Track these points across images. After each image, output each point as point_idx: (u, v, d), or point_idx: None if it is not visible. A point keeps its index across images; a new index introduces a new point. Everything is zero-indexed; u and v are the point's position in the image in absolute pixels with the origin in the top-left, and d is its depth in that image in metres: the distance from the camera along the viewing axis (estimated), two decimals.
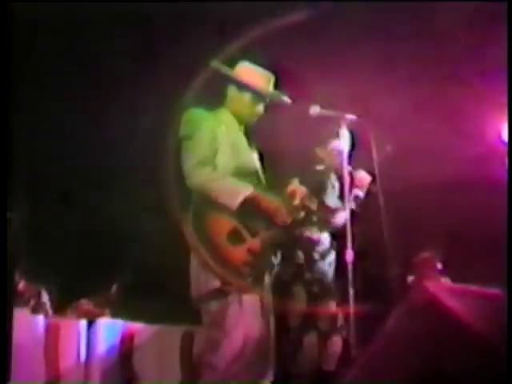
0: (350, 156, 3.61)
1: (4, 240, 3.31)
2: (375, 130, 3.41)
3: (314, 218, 4.30)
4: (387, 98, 5.13)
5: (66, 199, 5.76)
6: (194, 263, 3.28)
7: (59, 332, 4.11)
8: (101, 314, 4.35)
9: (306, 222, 4.15)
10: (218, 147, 3.35)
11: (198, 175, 3.30)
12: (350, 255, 3.43)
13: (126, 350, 4.07)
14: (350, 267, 3.43)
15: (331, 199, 4.40)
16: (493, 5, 4.67)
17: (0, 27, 3.59)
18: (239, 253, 3.22)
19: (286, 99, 3.53)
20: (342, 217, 4.24)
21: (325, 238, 4.40)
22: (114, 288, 4.79)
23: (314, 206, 3.90)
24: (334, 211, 4.35)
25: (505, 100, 4.72)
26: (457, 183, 5.14)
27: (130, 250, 5.38)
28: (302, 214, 3.49)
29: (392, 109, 5.14)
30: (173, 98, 4.40)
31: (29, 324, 4.09)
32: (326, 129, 3.55)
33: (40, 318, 4.27)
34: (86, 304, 4.42)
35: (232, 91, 3.48)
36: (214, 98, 3.54)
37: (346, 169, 3.49)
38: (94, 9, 5.07)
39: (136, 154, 5.52)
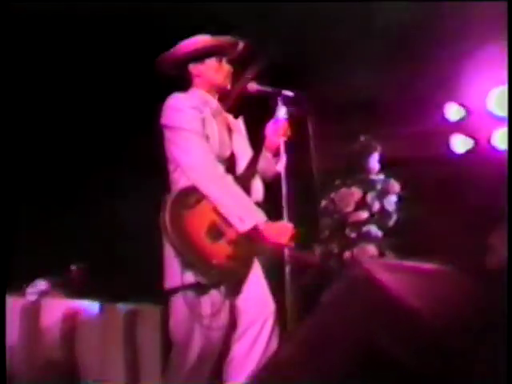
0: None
1: None
2: (313, 109, 3.30)
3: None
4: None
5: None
6: (168, 253, 3.10)
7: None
8: (56, 295, 4.29)
9: None
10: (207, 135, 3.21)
11: (207, 172, 3.11)
12: None
13: (67, 328, 4.07)
14: None
15: (389, 204, 4.87)
16: (493, 5, 4.69)
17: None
18: (220, 248, 3.05)
19: (240, 42, 3.39)
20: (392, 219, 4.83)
21: None
22: (74, 269, 4.67)
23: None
24: (391, 215, 4.83)
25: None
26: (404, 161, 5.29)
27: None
28: None
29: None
30: None
31: None
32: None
33: None
34: (42, 284, 4.34)
35: (192, 67, 3.36)
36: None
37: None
38: (94, 8, 4.99)
39: None
